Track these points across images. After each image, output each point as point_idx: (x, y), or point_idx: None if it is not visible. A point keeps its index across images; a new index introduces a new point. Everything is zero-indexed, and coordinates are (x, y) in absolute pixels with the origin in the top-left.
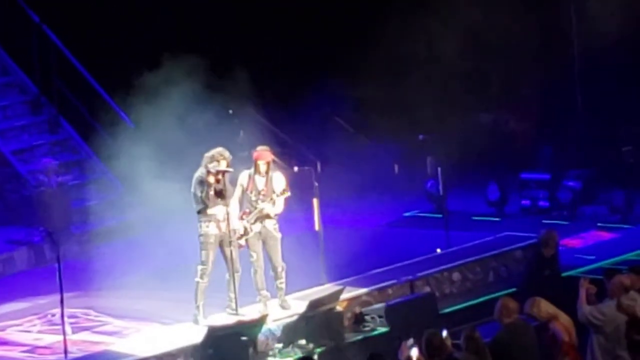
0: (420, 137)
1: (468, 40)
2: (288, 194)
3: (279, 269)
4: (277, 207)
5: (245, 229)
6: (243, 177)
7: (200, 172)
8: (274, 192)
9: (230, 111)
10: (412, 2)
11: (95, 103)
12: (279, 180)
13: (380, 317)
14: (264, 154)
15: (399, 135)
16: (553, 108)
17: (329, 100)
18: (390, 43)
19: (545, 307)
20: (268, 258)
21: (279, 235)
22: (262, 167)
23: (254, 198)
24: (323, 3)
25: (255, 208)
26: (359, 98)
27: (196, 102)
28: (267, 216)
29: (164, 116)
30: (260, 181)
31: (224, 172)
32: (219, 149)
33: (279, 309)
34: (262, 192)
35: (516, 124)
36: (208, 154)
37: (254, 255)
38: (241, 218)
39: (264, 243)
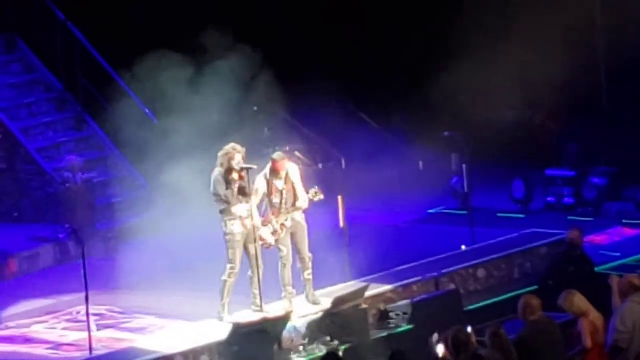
0: (445, 133)
1: (493, 41)
2: (322, 197)
3: (306, 259)
4: (306, 201)
5: (276, 230)
6: (260, 182)
7: (217, 171)
8: (294, 186)
9: (255, 108)
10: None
11: (120, 100)
12: (293, 170)
13: (405, 314)
14: (283, 164)
15: (424, 131)
16: (578, 105)
17: (354, 97)
18: (417, 40)
19: (578, 303)
20: (296, 249)
21: (305, 224)
22: (282, 174)
23: (278, 200)
24: (349, 4)
25: (281, 208)
26: (383, 94)
27: (222, 99)
28: (297, 209)
29: (189, 113)
30: (279, 182)
31: (247, 169)
32: (231, 145)
33: (308, 304)
34: (285, 190)
35: (541, 121)
36: (222, 153)
37: (284, 250)
38: (269, 220)
39: (292, 235)
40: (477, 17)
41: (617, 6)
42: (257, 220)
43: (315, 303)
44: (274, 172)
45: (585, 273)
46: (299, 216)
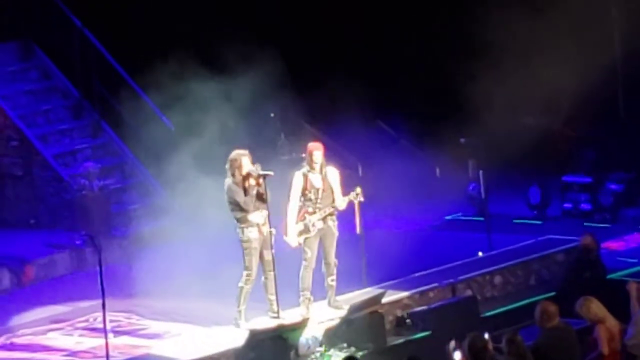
0: (462, 140)
1: (511, 48)
2: (362, 199)
3: (332, 264)
4: (344, 202)
5: (307, 226)
6: (298, 178)
7: (230, 180)
8: (332, 189)
9: (272, 114)
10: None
11: (136, 107)
12: (334, 174)
13: (421, 320)
14: (317, 145)
15: (441, 138)
16: (595, 111)
17: (371, 103)
18: (435, 48)
19: (594, 309)
20: (323, 254)
21: (337, 232)
22: (318, 161)
23: (313, 197)
24: (366, 6)
25: (317, 206)
26: (401, 101)
27: (238, 105)
28: (332, 213)
29: (205, 119)
30: (316, 179)
31: (265, 176)
32: (235, 152)
33: (325, 310)
34: (322, 189)
35: (558, 127)
36: (229, 164)
37: (309, 252)
38: (303, 218)
39: (321, 240)
40: (495, 26)
41: (635, 16)
42: (291, 219)
43: (337, 308)
44: (310, 162)
45: (599, 278)
46: (332, 223)
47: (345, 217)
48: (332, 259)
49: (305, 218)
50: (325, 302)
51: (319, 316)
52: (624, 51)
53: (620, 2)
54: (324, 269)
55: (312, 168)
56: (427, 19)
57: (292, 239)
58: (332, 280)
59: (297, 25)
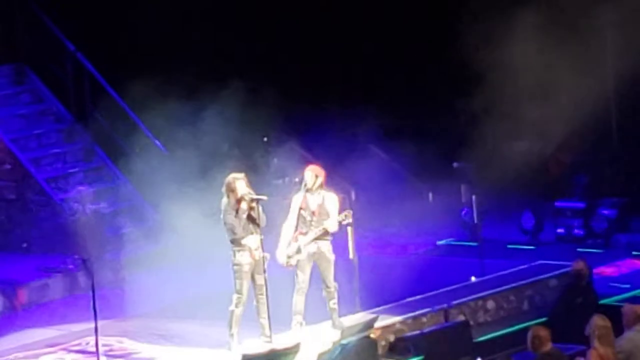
0: (455, 165)
1: (504, 73)
2: (350, 220)
3: (332, 289)
4: (334, 224)
5: (299, 247)
6: (297, 197)
7: (225, 201)
8: (327, 213)
9: (265, 138)
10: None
11: (129, 130)
12: (332, 200)
13: (414, 345)
14: (310, 166)
15: (434, 163)
16: (588, 136)
17: (364, 128)
18: (425, 71)
19: (598, 324)
20: (321, 279)
21: (332, 256)
22: (310, 180)
23: (308, 217)
24: (359, 32)
25: (311, 228)
26: (393, 126)
27: (231, 129)
28: (324, 234)
29: (198, 143)
30: (312, 201)
31: (258, 200)
32: (231, 175)
33: (333, 330)
34: (316, 212)
35: (552, 152)
36: (224, 187)
37: (301, 275)
38: (296, 239)
39: (317, 266)
40: (489, 52)
41: (629, 42)
42: (285, 237)
43: (341, 329)
44: (305, 182)
45: (592, 304)
46: (326, 247)
47: (338, 242)
48: (332, 283)
49: (298, 239)
50: (318, 326)
51: (311, 341)
52: (618, 77)
53: (614, 28)
54: (324, 294)
55: (308, 189)
56: (420, 45)
57: (282, 257)
58: (334, 304)
59: (292, 48)
